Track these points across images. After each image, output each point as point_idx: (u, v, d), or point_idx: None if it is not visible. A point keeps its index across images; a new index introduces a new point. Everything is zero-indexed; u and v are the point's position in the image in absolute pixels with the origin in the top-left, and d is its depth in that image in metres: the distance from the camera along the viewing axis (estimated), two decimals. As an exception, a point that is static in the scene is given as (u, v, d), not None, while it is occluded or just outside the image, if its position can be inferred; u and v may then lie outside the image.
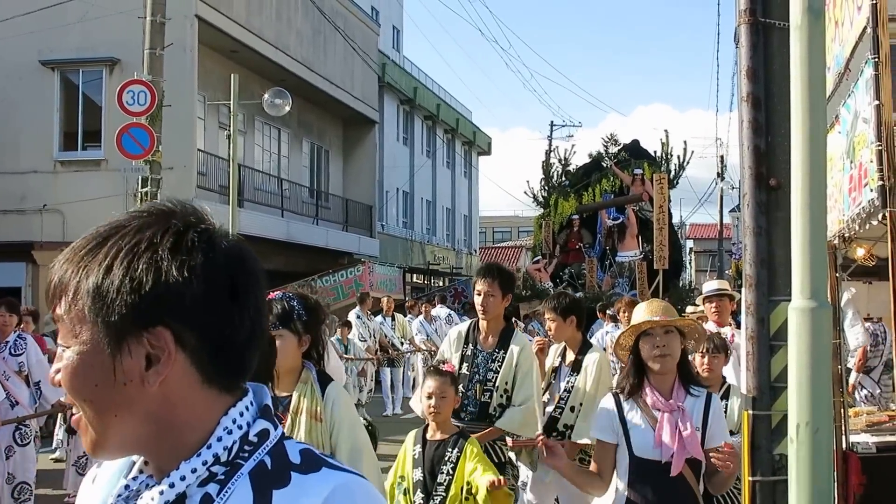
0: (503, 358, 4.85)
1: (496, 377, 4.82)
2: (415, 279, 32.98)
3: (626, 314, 7.99)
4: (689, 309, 12.40)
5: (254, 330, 1.11)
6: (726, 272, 34.38)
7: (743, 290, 5.35)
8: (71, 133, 17.11)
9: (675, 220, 29.22)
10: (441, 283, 33.30)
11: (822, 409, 3.53)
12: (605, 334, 12.69)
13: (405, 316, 15.99)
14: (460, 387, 4.58)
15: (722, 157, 34.62)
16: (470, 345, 4.96)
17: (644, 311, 3.71)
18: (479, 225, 44.68)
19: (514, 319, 13.48)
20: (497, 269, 4.92)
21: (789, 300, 4.61)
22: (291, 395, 3.24)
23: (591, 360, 5.15)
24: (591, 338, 13.75)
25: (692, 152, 23.18)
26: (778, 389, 4.60)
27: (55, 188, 16.51)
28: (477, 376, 4.87)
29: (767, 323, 5.02)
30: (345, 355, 11.93)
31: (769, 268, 5.07)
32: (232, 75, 14.91)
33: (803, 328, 4.45)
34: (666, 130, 23.16)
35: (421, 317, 15.80)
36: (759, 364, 4.07)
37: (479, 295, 4.83)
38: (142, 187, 12.92)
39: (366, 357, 12.55)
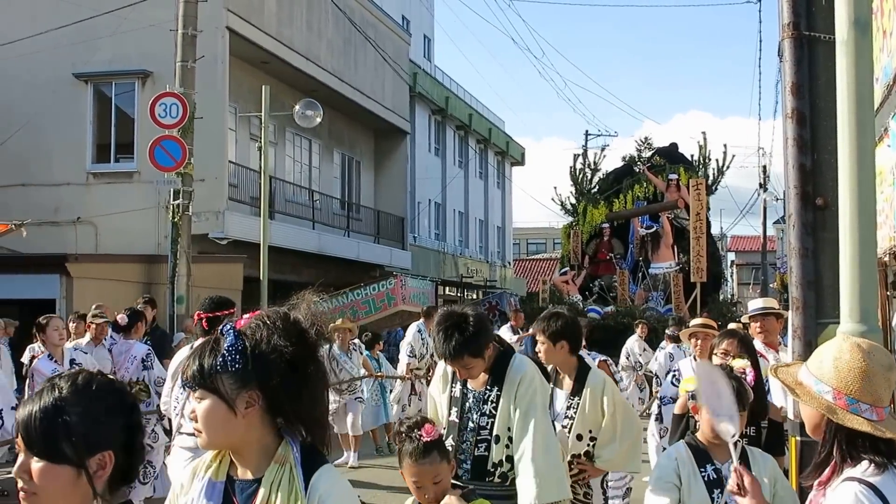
0: (498, 398, 3.82)
1: (491, 423, 3.81)
2: (447, 292, 32.80)
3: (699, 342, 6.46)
4: (731, 325, 12.07)
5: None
6: (770, 285, 33.55)
7: (790, 312, 5.16)
8: (104, 145, 17.24)
9: (716, 231, 28.53)
10: (474, 296, 33.08)
11: (873, 438, 3.34)
12: (667, 356, 11.90)
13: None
14: (450, 439, 3.82)
15: (764, 167, 33.72)
16: (458, 384, 3.93)
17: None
18: (512, 237, 44.42)
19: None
20: (462, 341, 3.69)
21: (838, 323, 4.42)
22: (259, 481, 2.06)
23: (597, 382, 4.60)
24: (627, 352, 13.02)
25: (732, 156, 22.30)
26: (826, 415, 4.40)
27: (88, 200, 16.63)
28: (470, 424, 3.87)
29: (815, 346, 4.82)
30: (377, 372, 11.72)
31: (816, 290, 4.89)
32: (263, 87, 14.91)
33: (852, 353, 4.26)
34: (704, 133, 22.37)
35: None
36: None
37: (462, 368, 3.82)
38: (174, 199, 12.97)
39: (396, 375, 12.25)
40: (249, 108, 17.69)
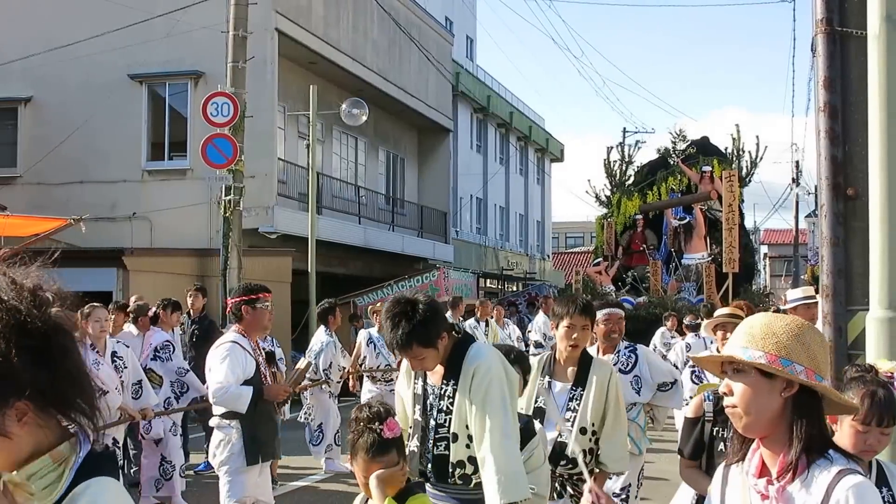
0: (454, 392, 3.43)
1: (448, 420, 3.44)
2: (488, 284, 33.13)
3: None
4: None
5: None
6: (801, 277, 33.65)
7: (820, 299, 5.30)
8: (158, 144, 17.69)
9: (749, 224, 28.35)
10: (514, 288, 33.38)
11: (902, 421, 3.48)
12: (683, 347, 10.67)
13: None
14: (415, 439, 3.54)
15: (797, 162, 33.78)
16: (420, 379, 3.59)
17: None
18: (551, 231, 44.62)
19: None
20: (410, 330, 3.33)
21: (867, 310, 4.61)
22: None
23: (604, 371, 4.32)
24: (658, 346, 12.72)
25: (765, 148, 22.25)
26: (856, 399, 4.58)
27: (143, 196, 17.13)
28: (431, 422, 3.51)
29: (845, 332, 5.00)
30: None
31: (846, 278, 5.04)
32: (311, 86, 15.22)
33: (882, 338, 4.45)
34: (737, 125, 22.29)
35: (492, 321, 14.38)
36: (837, 374, 3.97)
37: (413, 359, 3.46)
38: (225, 195, 13.28)
39: None
40: (298, 108, 18.08)
